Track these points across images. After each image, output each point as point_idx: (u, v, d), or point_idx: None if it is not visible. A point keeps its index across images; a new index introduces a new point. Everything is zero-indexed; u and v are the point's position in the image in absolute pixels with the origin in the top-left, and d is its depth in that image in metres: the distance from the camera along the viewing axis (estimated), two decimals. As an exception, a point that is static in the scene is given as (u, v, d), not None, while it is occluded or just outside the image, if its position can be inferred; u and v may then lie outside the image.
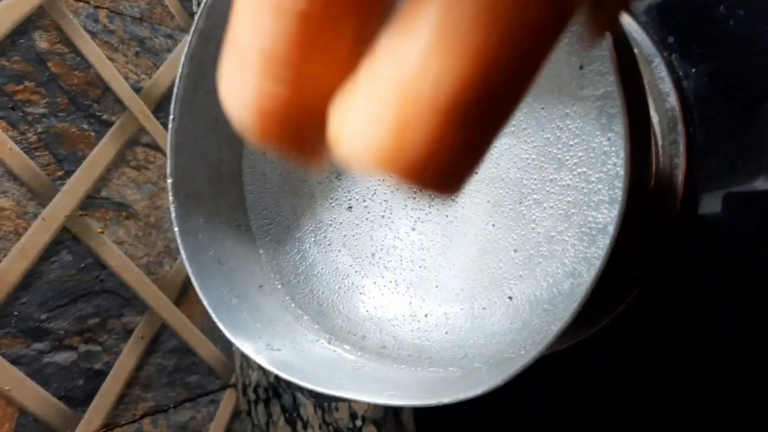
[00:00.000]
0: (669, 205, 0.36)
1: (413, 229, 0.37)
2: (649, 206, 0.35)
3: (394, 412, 0.47)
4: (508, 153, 0.35)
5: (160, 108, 0.59)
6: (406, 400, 0.26)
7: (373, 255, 0.38)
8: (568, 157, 0.34)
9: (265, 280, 0.37)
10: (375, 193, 0.39)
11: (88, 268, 0.51)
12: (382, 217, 0.38)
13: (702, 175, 0.36)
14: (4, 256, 0.46)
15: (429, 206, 0.37)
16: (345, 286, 0.38)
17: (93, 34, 0.54)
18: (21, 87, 0.49)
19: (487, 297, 0.34)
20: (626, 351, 0.40)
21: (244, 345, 0.31)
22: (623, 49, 0.26)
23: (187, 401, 0.57)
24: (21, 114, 0.48)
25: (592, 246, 0.31)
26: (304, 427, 0.57)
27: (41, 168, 0.49)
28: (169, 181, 0.33)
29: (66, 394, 0.48)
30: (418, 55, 0.10)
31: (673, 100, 0.36)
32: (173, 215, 0.33)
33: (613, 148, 0.32)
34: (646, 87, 0.35)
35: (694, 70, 0.37)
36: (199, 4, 0.63)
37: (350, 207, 0.38)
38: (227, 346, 0.61)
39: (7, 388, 0.45)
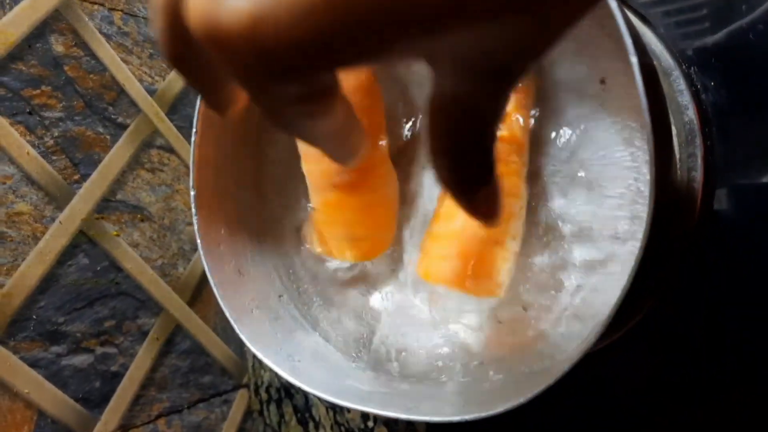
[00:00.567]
0: (686, 218, 0.36)
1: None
2: (666, 219, 0.35)
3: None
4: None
5: (173, 110, 0.59)
6: (430, 416, 0.26)
7: (392, 270, 0.38)
8: (589, 172, 0.34)
9: (283, 289, 0.37)
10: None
11: (104, 271, 0.52)
12: (411, 237, 0.38)
13: (720, 188, 0.36)
14: (23, 260, 0.46)
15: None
16: (362, 293, 0.39)
17: (108, 37, 0.55)
18: (38, 91, 0.49)
19: (503, 307, 0.34)
20: (636, 356, 0.40)
21: (267, 356, 0.32)
22: (646, 64, 0.26)
23: (201, 401, 0.58)
24: (38, 118, 0.49)
25: (611, 261, 0.32)
26: (316, 427, 0.57)
27: (58, 172, 0.49)
28: (192, 193, 0.33)
29: (83, 396, 0.49)
30: None
31: (691, 113, 0.37)
32: (196, 227, 0.33)
33: (635, 164, 0.32)
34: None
35: (712, 83, 0.37)
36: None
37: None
38: (239, 347, 0.61)
39: (26, 391, 0.45)
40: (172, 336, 0.56)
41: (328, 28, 0.11)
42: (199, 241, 0.34)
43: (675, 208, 0.36)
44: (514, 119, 0.34)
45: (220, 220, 0.36)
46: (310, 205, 0.36)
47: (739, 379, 0.37)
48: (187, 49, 0.14)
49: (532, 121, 0.35)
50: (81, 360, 0.49)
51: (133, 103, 0.56)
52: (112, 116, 0.54)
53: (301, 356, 0.33)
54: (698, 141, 0.36)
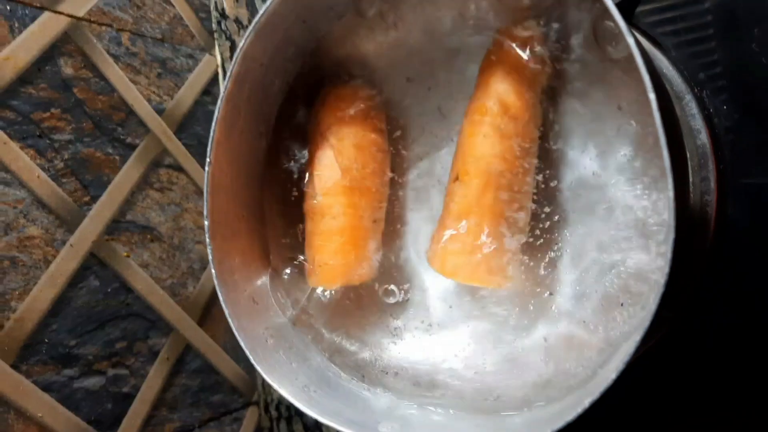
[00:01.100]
0: (700, 242, 0.36)
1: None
2: (680, 245, 0.35)
3: None
4: (544, 192, 0.35)
5: (181, 128, 0.59)
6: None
7: (404, 296, 0.38)
8: (604, 196, 0.34)
9: (297, 317, 0.38)
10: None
11: (115, 293, 0.52)
12: (416, 254, 0.38)
13: (733, 213, 0.36)
14: (34, 284, 0.46)
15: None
16: (375, 323, 0.39)
17: (116, 58, 0.55)
18: (48, 114, 0.49)
19: (520, 339, 0.34)
20: (649, 381, 0.40)
21: (283, 388, 0.32)
22: (660, 91, 0.26)
23: (212, 420, 0.58)
24: (48, 141, 0.49)
25: (624, 293, 0.32)
26: (327, 445, 0.57)
27: (68, 194, 0.49)
28: (206, 223, 0.33)
29: (96, 419, 0.49)
30: None
31: (704, 137, 0.37)
32: (210, 257, 0.33)
33: (646, 192, 0.32)
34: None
35: (725, 107, 0.37)
36: (218, 23, 0.63)
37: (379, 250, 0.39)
38: (249, 364, 0.61)
39: (40, 414, 0.45)
40: (182, 355, 0.56)
41: None
42: (213, 271, 0.34)
43: (689, 232, 0.36)
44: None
45: (233, 248, 0.36)
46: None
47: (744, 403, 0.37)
48: None
49: (555, 145, 0.35)
50: (93, 382, 0.49)
51: (141, 123, 0.56)
52: (121, 137, 0.54)
53: (316, 386, 0.33)
54: (711, 165, 0.36)
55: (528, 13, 0.35)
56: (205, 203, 0.34)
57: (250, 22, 0.63)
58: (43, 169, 0.48)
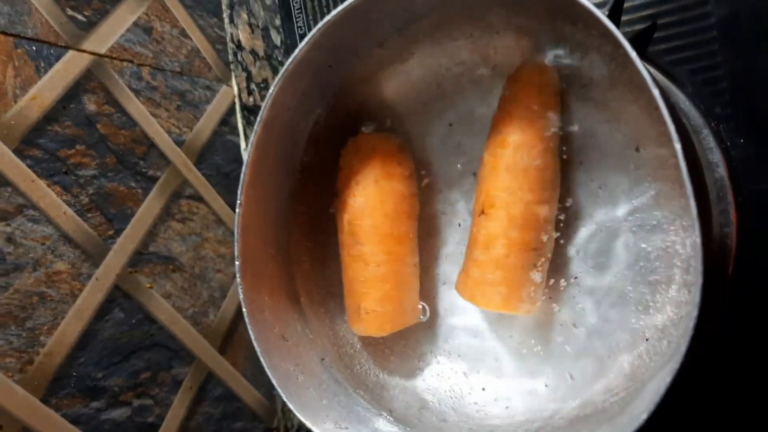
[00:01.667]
0: (721, 276, 0.36)
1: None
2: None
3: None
4: (566, 233, 0.36)
5: (201, 159, 0.60)
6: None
7: (428, 327, 0.39)
8: (624, 232, 0.34)
9: (325, 352, 0.38)
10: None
11: (139, 324, 0.53)
12: (443, 284, 0.39)
13: (753, 246, 0.37)
14: (62, 318, 0.47)
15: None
16: (400, 356, 0.39)
17: (137, 92, 0.56)
18: (73, 151, 0.50)
19: (546, 373, 0.35)
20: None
21: (316, 425, 0.32)
22: (683, 134, 0.27)
23: (234, 447, 0.58)
24: (74, 177, 0.50)
25: (650, 330, 0.32)
26: (349, 471, 0.58)
27: (93, 229, 0.50)
28: (237, 263, 0.34)
29: (122, 450, 0.49)
30: None
31: (722, 170, 0.37)
32: (241, 296, 0.34)
33: (672, 227, 0.33)
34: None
35: (742, 140, 0.38)
36: (235, 54, 0.64)
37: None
38: (269, 390, 0.62)
39: (69, 448, 0.46)
40: (205, 384, 0.57)
41: None
42: (245, 309, 0.34)
43: (710, 264, 0.37)
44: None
45: (263, 287, 0.36)
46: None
47: None
48: None
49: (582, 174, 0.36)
50: (119, 413, 0.50)
51: (162, 156, 0.57)
52: (143, 170, 0.55)
53: (347, 423, 0.34)
54: (730, 198, 0.37)
55: (544, 51, 0.36)
56: (235, 243, 0.34)
57: (265, 53, 0.64)
58: (69, 204, 0.49)
